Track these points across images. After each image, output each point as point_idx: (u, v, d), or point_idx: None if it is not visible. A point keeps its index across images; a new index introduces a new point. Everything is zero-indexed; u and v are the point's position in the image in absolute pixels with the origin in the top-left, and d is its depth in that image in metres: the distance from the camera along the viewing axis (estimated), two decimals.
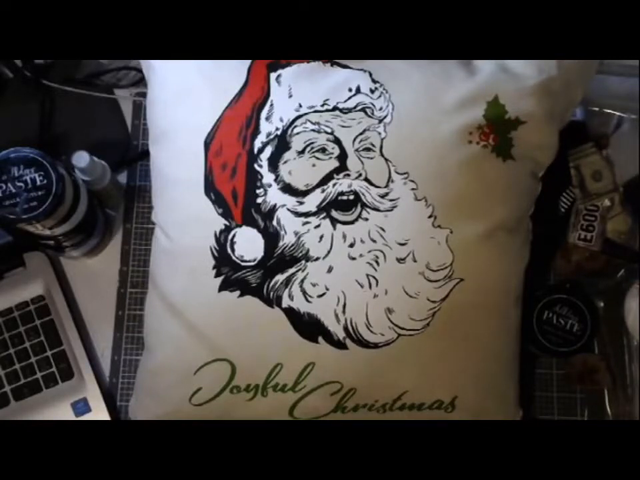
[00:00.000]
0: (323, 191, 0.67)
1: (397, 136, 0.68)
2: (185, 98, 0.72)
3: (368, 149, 0.68)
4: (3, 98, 0.90)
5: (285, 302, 0.67)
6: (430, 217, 0.67)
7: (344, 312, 0.67)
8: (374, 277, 0.67)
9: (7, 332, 0.82)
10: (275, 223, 0.67)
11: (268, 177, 0.68)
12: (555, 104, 0.71)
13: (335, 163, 0.68)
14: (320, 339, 0.67)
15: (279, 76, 0.71)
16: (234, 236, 0.68)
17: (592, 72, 0.74)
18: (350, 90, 0.70)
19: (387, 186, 0.68)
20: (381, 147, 0.68)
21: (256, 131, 0.69)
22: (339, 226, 0.67)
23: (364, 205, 0.67)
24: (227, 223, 0.68)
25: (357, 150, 0.68)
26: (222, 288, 0.68)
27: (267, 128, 0.69)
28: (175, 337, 0.70)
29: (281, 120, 0.69)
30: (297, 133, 0.69)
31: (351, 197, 0.67)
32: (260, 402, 0.69)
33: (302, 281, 0.67)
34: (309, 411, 0.69)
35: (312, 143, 0.68)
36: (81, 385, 0.82)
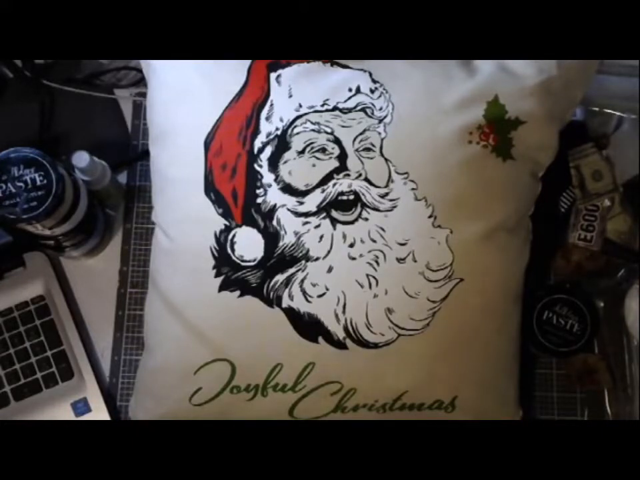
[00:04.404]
0: (323, 191, 0.67)
1: (397, 136, 0.68)
2: (185, 98, 0.72)
3: (368, 149, 0.68)
4: (3, 98, 0.90)
5: (285, 302, 0.67)
6: (430, 217, 0.67)
7: (344, 312, 0.67)
8: (374, 277, 0.67)
9: (7, 332, 0.82)
10: (274, 222, 0.67)
11: (268, 177, 0.68)
12: (554, 104, 0.71)
13: (334, 163, 0.68)
14: (320, 339, 0.67)
15: (279, 76, 0.71)
16: (234, 236, 0.68)
17: (592, 72, 0.74)
18: (350, 90, 0.70)
19: (387, 186, 0.68)
20: (381, 147, 0.68)
21: (256, 131, 0.69)
22: (339, 226, 0.67)
23: (364, 205, 0.67)
24: (227, 223, 0.68)
25: (357, 150, 0.68)
26: (222, 288, 0.68)
27: (267, 128, 0.69)
28: (175, 337, 0.70)
29: (281, 120, 0.69)
30: (297, 133, 0.69)
31: (351, 197, 0.67)
32: (260, 402, 0.69)
33: (302, 281, 0.67)
34: (308, 411, 0.69)
35: (312, 142, 0.68)
36: (81, 385, 0.81)
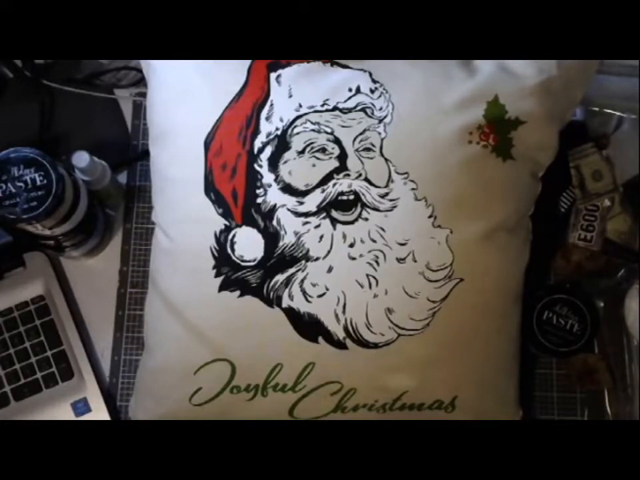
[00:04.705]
0: (323, 191, 0.67)
1: (397, 136, 0.68)
2: (185, 98, 0.72)
3: (368, 149, 0.68)
4: (3, 98, 0.90)
5: (285, 302, 0.67)
6: (430, 216, 0.67)
7: (344, 312, 0.67)
8: (374, 277, 0.67)
9: (7, 332, 0.82)
10: (274, 222, 0.67)
11: (268, 177, 0.68)
12: (554, 104, 0.71)
13: (334, 163, 0.68)
14: (320, 339, 0.67)
15: (279, 76, 0.71)
16: (234, 236, 0.68)
17: (592, 72, 0.74)
18: (350, 90, 0.70)
19: (387, 186, 0.68)
20: (381, 147, 0.68)
21: (256, 131, 0.69)
22: (339, 226, 0.67)
23: (364, 205, 0.67)
24: (227, 223, 0.68)
25: (357, 150, 0.68)
26: (222, 288, 0.68)
27: (267, 128, 0.69)
28: (175, 337, 0.70)
29: (281, 120, 0.69)
30: (297, 133, 0.69)
31: (351, 197, 0.67)
32: (260, 402, 0.69)
33: (302, 281, 0.67)
34: (308, 411, 0.69)
35: (312, 143, 0.68)
36: (81, 385, 0.81)
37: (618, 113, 0.83)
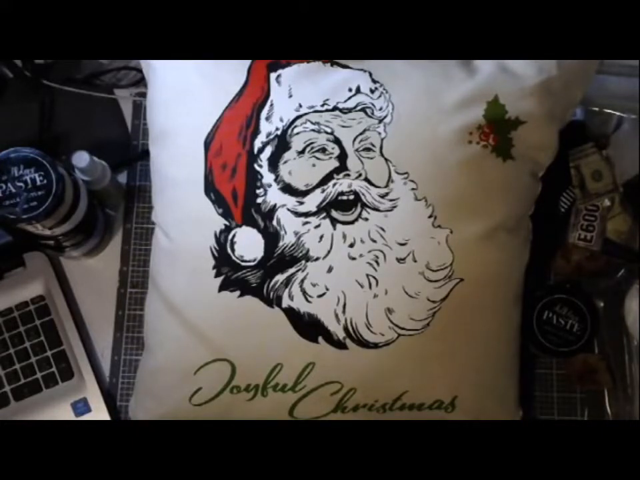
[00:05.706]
0: (323, 191, 0.67)
1: (397, 136, 0.68)
2: (185, 98, 0.72)
3: (368, 149, 0.68)
4: (3, 98, 0.90)
5: (285, 302, 0.67)
6: (430, 216, 0.67)
7: (344, 312, 0.67)
8: (374, 277, 0.67)
9: (7, 332, 0.82)
10: (274, 222, 0.67)
11: (268, 177, 0.68)
12: (555, 104, 0.71)
13: (334, 163, 0.68)
14: (320, 339, 0.67)
15: (279, 76, 0.71)
16: (234, 236, 0.68)
17: (592, 72, 0.74)
18: (350, 90, 0.70)
19: (387, 186, 0.68)
20: (381, 147, 0.68)
21: (256, 131, 0.69)
22: (339, 226, 0.67)
23: (364, 205, 0.67)
24: (227, 223, 0.68)
25: (357, 150, 0.68)
26: (222, 288, 0.68)
27: (267, 128, 0.69)
28: (175, 337, 0.70)
29: (281, 120, 0.69)
30: (297, 133, 0.69)
31: (351, 197, 0.67)
32: (260, 402, 0.69)
33: (302, 281, 0.67)
34: (308, 411, 0.69)
35: (312, 143, 0.68)
36: (81, 385, 0.81)
37: (618, 113, 0.83)
